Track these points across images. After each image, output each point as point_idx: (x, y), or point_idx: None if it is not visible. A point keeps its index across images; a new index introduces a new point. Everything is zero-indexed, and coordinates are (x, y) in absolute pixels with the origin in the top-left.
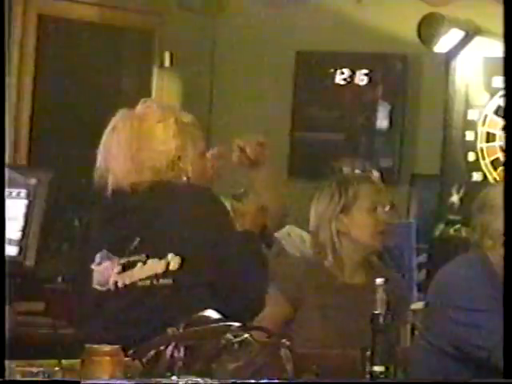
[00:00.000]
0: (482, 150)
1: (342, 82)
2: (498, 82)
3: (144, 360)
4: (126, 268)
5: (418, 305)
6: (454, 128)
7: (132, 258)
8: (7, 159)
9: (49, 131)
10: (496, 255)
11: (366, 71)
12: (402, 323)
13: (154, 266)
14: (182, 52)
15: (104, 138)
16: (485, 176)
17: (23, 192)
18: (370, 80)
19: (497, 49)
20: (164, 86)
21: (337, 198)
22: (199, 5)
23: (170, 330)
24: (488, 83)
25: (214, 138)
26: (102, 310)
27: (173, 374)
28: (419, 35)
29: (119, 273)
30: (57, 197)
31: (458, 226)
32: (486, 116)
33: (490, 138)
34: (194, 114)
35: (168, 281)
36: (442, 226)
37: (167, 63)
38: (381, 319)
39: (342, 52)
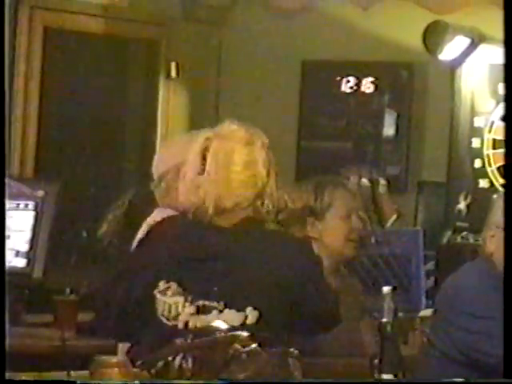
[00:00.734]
0: (488, 157)
1: (349, 91)
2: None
3: (153, 371)
4: (199, 311)
5: (426, 312)
6: (461, 135)
7: (208, 303)
8: (15, 171)
9: (56, 143)
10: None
11: (372, 79)
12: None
13: (231, 317)
14: (187, 62)
15: (192, 159)
16: (491, 183)
17: (31, 204)
18: (376, 88)
19: (502, 56)
20: (170, 96)
21: (312, 202)
22: (205, 15)
23: (178, 341)
24: (494, 90)
25: None
26: (167, 345)
27: None
28: (424, 43)
29: (192, 314)
30: (64, 208)
31: (465, 232)
32: (492, 123)
33: (496, 144)
34: (201, 124)
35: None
36: (449, 233)
37: (173, 74)
38: (388, 327)
39: (348, 60)
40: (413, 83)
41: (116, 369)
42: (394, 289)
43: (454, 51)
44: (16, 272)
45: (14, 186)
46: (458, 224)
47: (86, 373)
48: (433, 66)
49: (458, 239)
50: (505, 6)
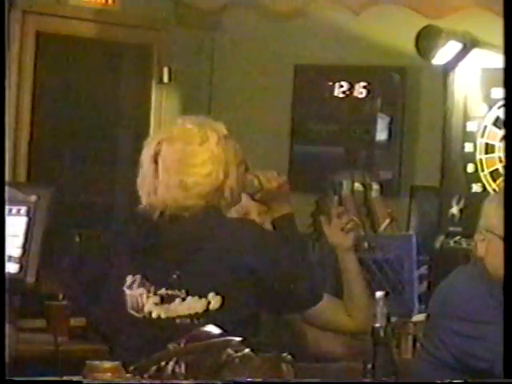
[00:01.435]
0: (481, 162)
1: (341, 95)
2: (497, 93)
3: (145, 376)
4: (163, 300)
5: (419, 317)
6: (453, 140)
7: (170, 292)
8: (7, 176)
9: (48, 148)
10: (495, 264)
11: (364, 84)
12: (404, 335)
13: (194, 304)
14: (180, 67)
15: (146, 164)
16: (484, 187)
17: (23, 209)
18: (369, 93)
19: (495, 60)
20: (163, 101)
21: None
22: (197, 20)
23: (171, 346)
24: (487, 94)
25: None
26: (138, 336)
27: None
28: (417, 48)
29: (156, 304)
30: (57, 213)
31: (458, 237)
32: (485, 127)
33: (489, 149)
34: None
35: (207, 321)
36: (442, 238)
37: (166, 79)
38: (381, 332)
39: (341, 65)
40: (405, 88)
41: (109, 374)
42: (387, 294)
43: (447, 56)
44: (8, 277)
45: (6, 190)
46: (451, 228)
47: (79, 378)
48: (425, 71)
49: (451, 244)
50: (505, 10)
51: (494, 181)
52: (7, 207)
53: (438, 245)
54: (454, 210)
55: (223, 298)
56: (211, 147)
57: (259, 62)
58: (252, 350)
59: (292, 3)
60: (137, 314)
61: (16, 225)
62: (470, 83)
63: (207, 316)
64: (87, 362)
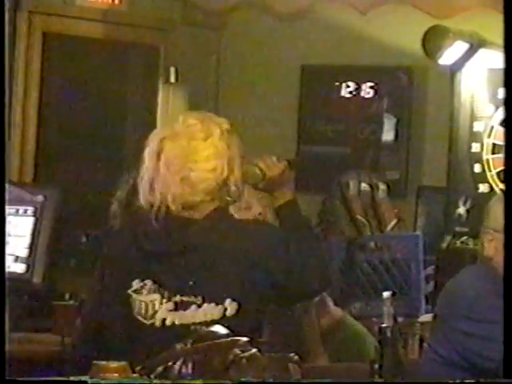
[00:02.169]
0: (488, 162)
1: (348, 95)
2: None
3: (152, 376)
4: (178, 307)
5: (426, 317)
6: (460, 140)
7: (186, 298)
8: (14, 176)
9: (55, 148)
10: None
11: (371, 84)
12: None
13: (211, 311)
14: (187, 67)
15: (148, 161)
16: (491, 187)
17: (30, 209)
18: (376, 93)
19: (502, 60)
20: (169, 101)
21: None
22: (204, 20)
23: (178, 346)
24: (493, 94)
25: None
26: (143, 344)
27: None
28: (424, 48)
29: (170, 310)
30: (64, 213)
31: (465, 237)
32: (491, 127)
33: (495, 149)
34: None
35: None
36: (449, 238)
37: (173, 79)
38: (388, 333)
39: (348, 65)
40: (412, 88)
41: (116, 374)
42: (394, 294)
43: (454, 56)
44: (15, 277)
45: (13, 191)
46: (458, 229)
47: (85, 378)
48: (432, 71)
49: (458, 244)
50: (505, 9)
51: (501, 181)
52: (14, 207)
53: (444, 245)
54: (461, 210)
55: (239, 304)
56: (215, 142)
57: (266, 63)
58: (259, 350)
59: (299, 3)
60: (145, 321)
61: (23, 225)
62: (477, 83)
63: (223, 323)
64: (94, 362)
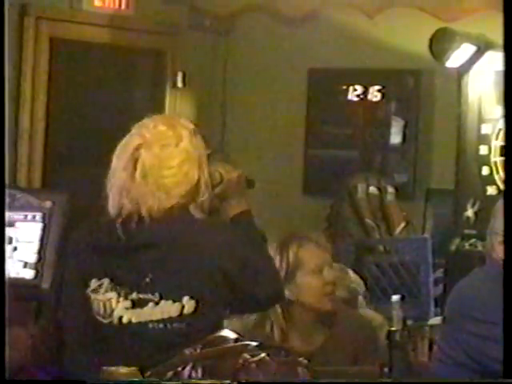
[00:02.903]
0: (495, 164)
1: (355, 99)
2: None
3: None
4: (135, 305)
5: (435, 320)
6: (468, 142)
7: (143, 296)
8: (22, 182)
9: (63, 154)
10: None
11: (378, 87)
12: (420, 338)
13: (168, 308)
14: (194, 72)
15: (122, 170)
16: (499, 190)
17: (38, 215)
18: (383, 96)
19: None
20: (177, 106)
21: (277, 263)
22: (210, 25)
23: (187, 351)
24: (500, 97)
25: (226, 156)
26: (103, 343)
27: None
28: (431, 50)
29: (127, 308)
30: (72, 219)
31: (473, 240)
32: (499, 129)
33: (503, 151)
34: (208, 133)
35: (181, 325)
36: (457, 241)
37: (180, 84)
38: (397, 336)
39: (355, 68)
40: (420, 91)
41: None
42: (403, 298)
43: (461, 58)
44: (24, 283)
45: (21, 197)
46: (467, 231)
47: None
48: (440, 74)
49: (467, 246)
50: (505, 9)
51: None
52: (22, 213)
53: (453, 247)
54: (469, 212)
55: (197, 302)
56: (186, 146)
57: (273, 66)
58: (268, 355)
59: (305, 7)
60: (103, 320)
61: (31, 231)
62: (484, 85)
63: (181, 320)
64: (104, 367)
